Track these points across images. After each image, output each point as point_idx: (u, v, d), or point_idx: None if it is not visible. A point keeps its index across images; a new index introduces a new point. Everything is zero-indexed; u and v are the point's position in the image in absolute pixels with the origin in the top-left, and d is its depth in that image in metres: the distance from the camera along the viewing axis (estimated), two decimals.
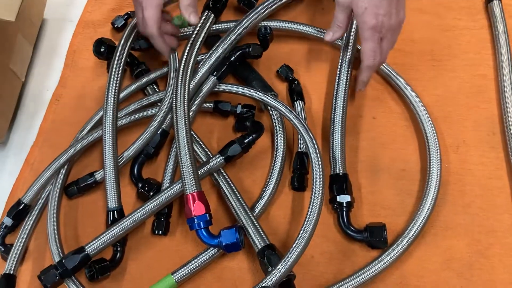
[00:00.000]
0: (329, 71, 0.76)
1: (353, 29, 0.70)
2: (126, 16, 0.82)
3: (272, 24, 0.74)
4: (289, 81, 0.74)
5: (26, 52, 0.78)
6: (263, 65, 0.76)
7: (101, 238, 0.58)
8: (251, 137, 0.65)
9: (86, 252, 0.57)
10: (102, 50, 0.75)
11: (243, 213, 0.61)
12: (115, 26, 0.82)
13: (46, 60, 0.81)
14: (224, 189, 0.64)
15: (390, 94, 0.73)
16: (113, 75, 0.67)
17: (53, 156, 0.69)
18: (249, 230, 0.60)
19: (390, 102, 0.72)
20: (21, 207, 0.64)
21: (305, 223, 0.56)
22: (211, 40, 0.76)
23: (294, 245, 0.56)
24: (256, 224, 0.60)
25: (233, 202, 0.62)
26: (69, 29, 0.84)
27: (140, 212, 0.60)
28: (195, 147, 0.68)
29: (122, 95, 0.72)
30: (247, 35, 0.73)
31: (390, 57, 0.74)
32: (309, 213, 0.57)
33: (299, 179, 0.66)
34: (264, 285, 0.54)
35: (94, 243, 0.58)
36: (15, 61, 0.73)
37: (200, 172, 0.63)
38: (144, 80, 0.73)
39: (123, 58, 0.69)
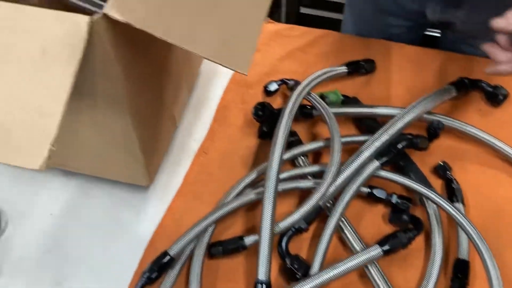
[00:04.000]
0: (489, 175, 0.72)
1: None
2: (280, 82, 0.83)
3: (444, 121, 0.72)
4: (446, 180, 0.71)
5: (185, 99, 0.79)
6: (417, 157, 0.74)
7: None
8: (412, 233, 0.62)
9: None
10: (260, 113, 0.75)
11: None
12: (267, 89, 0.82)
13: (195, 111, 0.82)
14: (379, 282, 0.60)
15: None
16: (277, 144, 0.66)
17: (195, 208, 0.68)
18: None
19: None
20: (167, 259, 0.62)
21: None
22: (366, 122, 0.76)
23: None
24: None
25: None
26: (219, 83, 0.85)
27: None
28: (346, 232, 0.65)
29: None
30: None
31: None
32: None
33: None
34: None
35: None
36: (177, 107, 0.75)
37: (354, 262, 0.60)
38: (297, 151, 0.72)
39: (288, 127, 0.68)
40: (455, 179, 0.70)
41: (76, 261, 0.67)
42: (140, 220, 0.71)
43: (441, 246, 0.63)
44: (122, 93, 0.52)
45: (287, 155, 0.71)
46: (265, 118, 0.75)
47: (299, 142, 0.74)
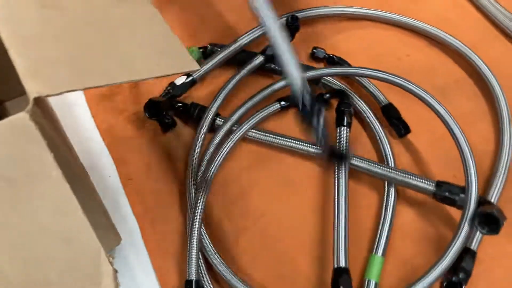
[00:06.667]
0: None
1: None
2: None
3: None
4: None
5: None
6: None
7: None
8: None
9: None
10: (153, 110, 0.71)
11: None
12: None
13: (86, 151, 0.73)
14: None
15: None
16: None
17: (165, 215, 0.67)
18: None
19: None
20: None
21: None
22: (240, 57, 0.77)
23: None
24: None
25: None
26: (80, 112, 0.77)
27: None
28: None
29: None
30: None
31: None
32: None
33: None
34: None
35: None
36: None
37: None
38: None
39: None
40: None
41: None
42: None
43: None
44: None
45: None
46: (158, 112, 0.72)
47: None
